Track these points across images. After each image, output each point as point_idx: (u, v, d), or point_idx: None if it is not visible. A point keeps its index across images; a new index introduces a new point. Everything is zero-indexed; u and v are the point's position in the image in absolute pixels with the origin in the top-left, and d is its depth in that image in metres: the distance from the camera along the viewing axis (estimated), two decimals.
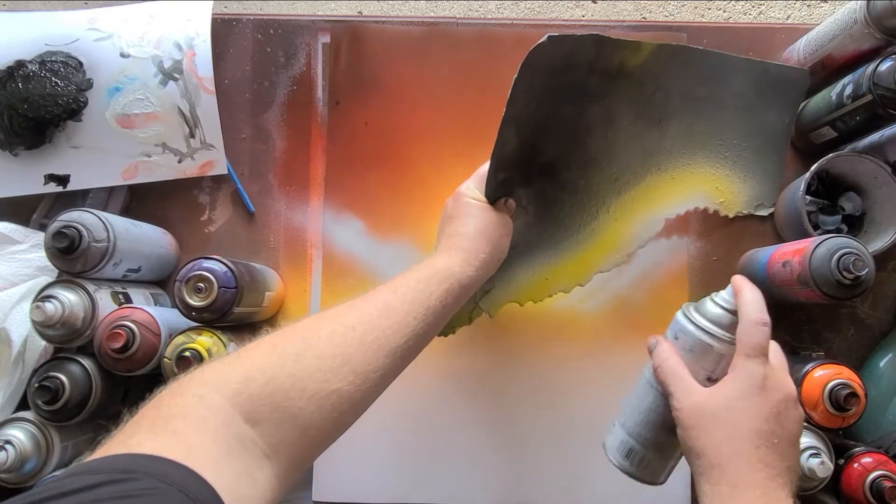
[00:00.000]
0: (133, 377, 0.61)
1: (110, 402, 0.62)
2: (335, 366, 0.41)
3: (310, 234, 0.72)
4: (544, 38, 0.50)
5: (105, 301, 0.61)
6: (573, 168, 0.63)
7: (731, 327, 0.46)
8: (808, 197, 0.66)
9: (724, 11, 1.42)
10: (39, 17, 0.73)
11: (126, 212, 0.72)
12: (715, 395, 0.45)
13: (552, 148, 0.61)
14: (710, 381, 0.46)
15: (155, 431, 0.33)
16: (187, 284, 0.59)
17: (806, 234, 0.63)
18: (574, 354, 0.69)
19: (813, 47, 0.66)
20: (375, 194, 0.72)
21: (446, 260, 0.52)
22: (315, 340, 0.42)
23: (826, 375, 0.58)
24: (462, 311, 0.63)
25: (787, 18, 1.41)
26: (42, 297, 0.58)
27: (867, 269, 0.56)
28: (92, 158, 0.70)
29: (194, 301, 0.58)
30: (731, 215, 0.69)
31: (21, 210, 0.70)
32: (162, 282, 0.72)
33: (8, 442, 0.58)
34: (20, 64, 0.68)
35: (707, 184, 0.68)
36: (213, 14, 0.73)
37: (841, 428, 0.59)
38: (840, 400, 0.57)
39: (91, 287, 0.60)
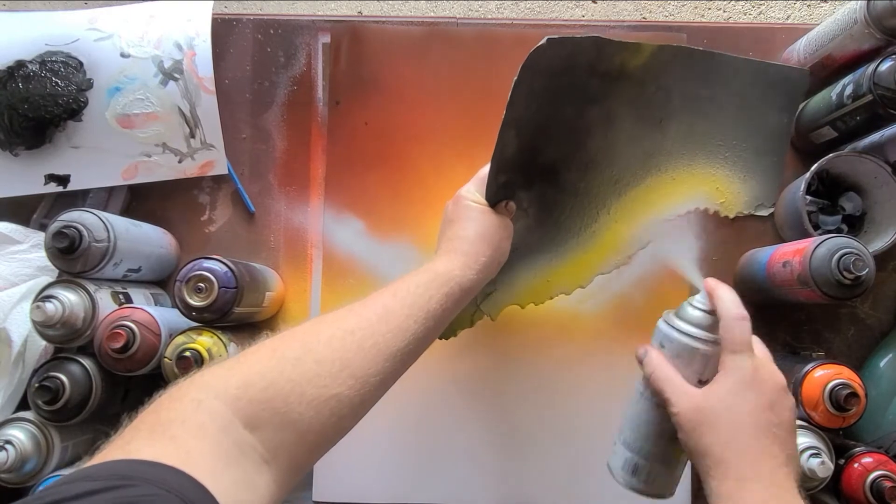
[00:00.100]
0: (133, 377, 0.61)
1: (110, 402, 0.62)
2: (334, 370, 0.41)
3: (310, 234, 0.72)
4: (543, 41, 0.50)
5: (105, 301, 0.61)
6: (574, 170, 0.63)
7: (713, 327, 0.47)
8: (808, 197, 0.66)
9: (724, 11, 1.42)
10: (39, 17, 0.73)
11: (126, 212, 0.72)
12: (711, 393, 0.45)
13: (552, 150, 0.61)
14: (702, 383, 0.47)
15: (153, 437, 0.33)
16: (187, 284, 0.59)
17: (806, 234, 0.63)
18: (574, 355, 0.69)
19: (813, 47, 0.66)
20: (375, 194, 0.72)
21: (446, 263, 0.52)
22: (314, 345, 0.42)
23: (826, 375, 0.58)
24: (464, 313, 0.63)
25: (787, 18, 1.41)
26: (42, 297, 0.58)
27: (867, 269, 0.56)
28: (92, 158, 0.70)
29: (194, 301, 0.58)
30: (731, 216, 0.69)
31: (21, 210, 0.70)
32: (162, 282, 0.72)
33: (8, 442, 0.58)
34: (20, 64, 0.68)
35: (707, 184, 0.68)
36: (213, 14, 0.73)
37: (841, 428, 0.59)
38: (840, 400, 0.57)
39: (91, 287, 0.60)
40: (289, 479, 0.38)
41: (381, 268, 0.71)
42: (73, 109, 0.68)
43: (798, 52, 0.69)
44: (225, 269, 0.59)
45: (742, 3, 1.41)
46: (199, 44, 0.71)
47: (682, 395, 0.46)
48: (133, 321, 0.58)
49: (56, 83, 0.68)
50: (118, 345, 0.57)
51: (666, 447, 0.49)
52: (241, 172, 0.73)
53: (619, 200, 0.65)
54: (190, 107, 0.70)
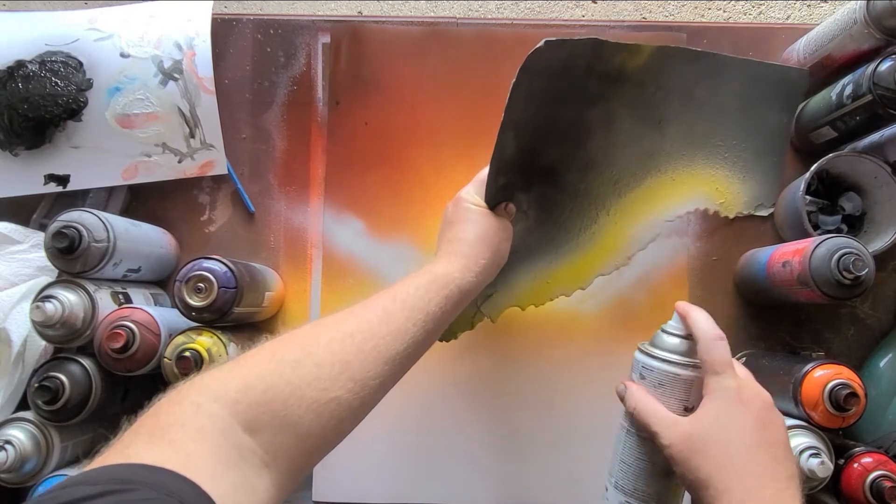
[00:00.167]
0: (133, 377, 0.61)
1: (110, 402, 0.62)
2: (334, 373, 0.41)
3: (310, 234, 0.72)
4: (541, 44, 0.50)
5: (105, 301, 0.61)
6: (573, 171, 0.63)
7: (690, 351, 0.46)
8: (808, 197, 0.66)
9: (724, 11, 1.42)
10: (39, 17, 0.73)
11: (126, 212, 0.72)
12: (699, 419, 0.44)
13: (552, 151, 0.61)
14: (688, 410, 0.46)
15: (153, 441, 0.33)
16: (187, 284, 0.59)
17: (806, 234, 0.63)
18: (574, 356, 0.69)
19: (813, 47, 0.66)
20: (375, 194, 0.72)
21: (446, 266, 0.52)
22: (314, 348, 0.42)
23: (826, 375, 0.58)
24: (464, 316, 0.63)
25: (787, 18, 1.41)
26: (42, 297, 0.58)
27: (867, 269, 0.56)
28: (92, 158, 0.70)
29: (194, 301, 0.58)
30: (731, 216, 0.69)
31: (21, 210, 0.70)
32: (162, 282, 0.72)
33: (8, 442, 0.58)
34: (20, 64, 0.68)
35: (707, 185, 0.68)
36: (213, 14, 0.73)
37: (841, 428, 0.59)
38: (840, 400, 0.57)
39: (91, 287, 0.60)
40: (288, 482, 0.38)
41: (381, 268, 0.71)
42: (72, 109, 0.68)
43: (798, 52, 0.69)
44: (225, 269, 0.59)
45: (742, 3, 1.41)
46: (199, 44, 0.71)
47: (670, 425, 0.44)
48: (133, 321, 0.58)
49: (56, 83, 0.68)
50: (118, 345, 0.57)
51: (659, 484, 0.47)
52: (240, 172, 0.73)
53: (619, 201, 0.65)
54: (190, 107, 0.70)
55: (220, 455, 0.34)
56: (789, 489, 0.41)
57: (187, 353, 0.57)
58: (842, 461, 0.59)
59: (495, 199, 0.56)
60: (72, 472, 0.61)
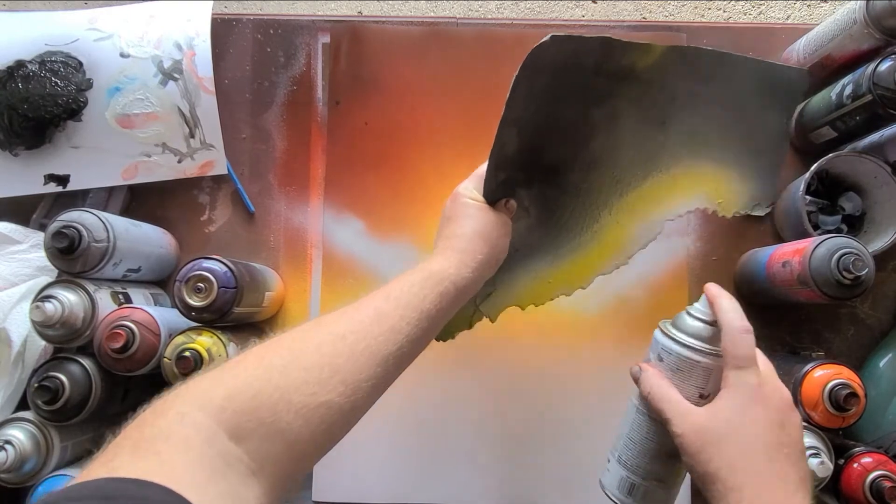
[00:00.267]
0: (133, 377, 0.61)
1: (110, 402, 0.62)
2: (324, 377, 0.40)
3: (310, 234, 0.72)
4: (547, 38, 0.49)
5: (105, 301, 0.61)
6: (576, 170, 0.62)
7: (714, 339, 0.45)
8: (808, 197, 0.66)
9: (724, 11, 1.42)
10: (39, 17, 0.73)
11: (126, 212, 0.72)
12: (715, 413, 0.43)
13: (555, 149, 0.60)
14: (703, 398, 0.45)
15: (137, 454, 0.33)
16: (187, 284, 0.59)
17: (806, 234, 0.63)
18: (574, 355, 0.69)
19: (813, 47, 0.66)
20: (375, 194, 0.72)
21: (442, 262, 0.51)
22: (303, 351, 0.41)
23: (826, 375, 0.58)
24: (462, 315, 0.63)
25: (787, 18, 1.41)
26: (42, 297, 0.58)
27: (867, 269, 0.56)
28: (92, 158, 0.70)
29: (194, 301, 0.58)
30: (728, 215, 0.69)
31: (21, 210, 0.70)
32: (162, 282, 0.72)
33: (8, 442, 0.58)
34: (20, 64, 0.68)
35: (707, 184, 0.67)
36: (213, 14, 0.73)
37: (841, 428, 0.59)
38: (840, 400, 0.57)
39: (91, 287, 0.60)
40: (278, 490, 0.38)
41: (381, 268, 0.71)
42: (72, 109, 0.68)
43: (798, 52, 0.69)
44: (224, 269, 0.59)
45: (742, 3, 1.41)
46: (199, 44, 0.71)
47: (685, 415, 0.43)
48: (133, 321, 0.58)
49: (56, 83, 0.68)
50: (118, 345, 0.57)
51: (664, 465, 0.47)
52: (240, 172, 0.73)
53: (621, 200, 0.65)
54: (190, 107, 0.70)
55: (205, 465, 0.33)
56: (799, 492, 0.41)
57: (187, 353, 0.57)
58: (842, 461, 0.59)
59: (494, 194, 0.56)
60: (72, 472, 0.61)
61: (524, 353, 0.70)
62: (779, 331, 0.70)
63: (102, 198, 0.70)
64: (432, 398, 0.69)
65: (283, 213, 0.73)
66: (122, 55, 0.70)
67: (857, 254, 0.56)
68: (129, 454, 0.33)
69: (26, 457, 0.59)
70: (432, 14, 1.43)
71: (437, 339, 0.56)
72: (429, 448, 0.69)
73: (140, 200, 0.73)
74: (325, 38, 0.74)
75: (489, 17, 1.40)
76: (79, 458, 0.64)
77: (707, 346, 0.45)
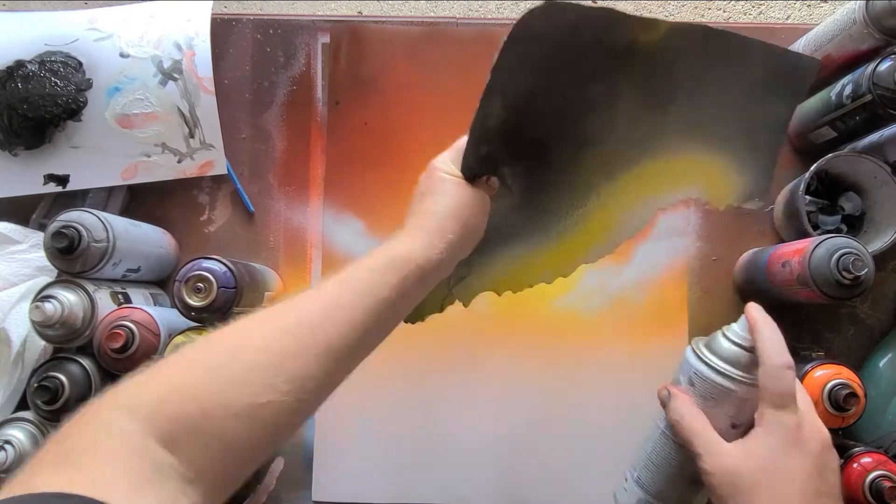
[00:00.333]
0: None
1: None
2: (268, 377, 0.36)
3: (309, 234, 0.72)
4: (542, 3, 0.45)
5: (104, 301, 0.61)
6: (565, 149, 0.57)
7: (750, 367, 0.42)
8: (807, 197, 0.66)
9: (724, 11, 1.42)
10: (39, 17, 0.73)
11: (126, 212, 0.72)
12: (749, 454, 0.40)
13: (544, 125, 0.55)
14: (735, 427, 0.42)
15: (60, 467, 0.30)
16: (187, 284, 0.59)
17: (806, 234, 0.63)
18: (573, 355, 0.69)
19: (812, 47, 0.66)
20: (375, 194, 0.72)
21: (408, 243, 0.46)
22: (245, 349, 0.37)
23: (826, 375, 0.58)
24: (434, 297, 0.58)
25: (787, 18, 1.41)
26: (41, 297, 0.58)
27: (867, 269, 0.56)
28: (91, 158, 0.70)
29: (194, 301, 0.58)
30: (721, 207, 0.64)
31: (21, 210, 0.70)
32: (162, 282, 0.72)
33: (7, 442, 0.58)
34: (20, 64, 0.68)
35: (701, 173, 0.63)
36: (212, 14, 0.73)
37: (840, 428, 0.59)
38: (840, 400, 0.57)
39: (90, 287, 0.60)
40: (219, 496, 0.35)
41: None
42: (72, 109, 0.68)
43: (797, 51, 0.69)
44: (224, 269, 0.59)
45: (742, 3, 1.41)
46: (199, 44, 0.71)
47: (717, 454, 0.41)
48: (132, 321, 0.58)
49: (55, 83, 0.68)
50: (117, 345, 0.57)
51: (685, 491, 0.45)
52: (240, 172, 0.73)
53: (610, 184, 0.60)
54: (189, 107, 0.70)
55: (135, 476, 0.31)
56: None
57: None
58: (841, 461, 0.59)
59: (474, 170, 0.51)
60: None
61: (524, 354, 0.70)
62: None
63: (102, 198, 0.70)
64: (432, 398, 0.69)
65: (282, 213, 0.73)
66: (122, 55, 0.70)
67: (856, 254, 0.56)
68: (51, 469, 0.30)
69: (26, 457, 0.59)
70: (432, 14, 1.43)
71: (406, 322, 0.52)
72: (429, 448, 0.69)
73: (140, 200, 0.73)
74: (325, 38, 0.74)
75: (489, 17, 1.40)
76: None
77: (743, 375, 0.42)
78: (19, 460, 0.58)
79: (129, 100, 0.69)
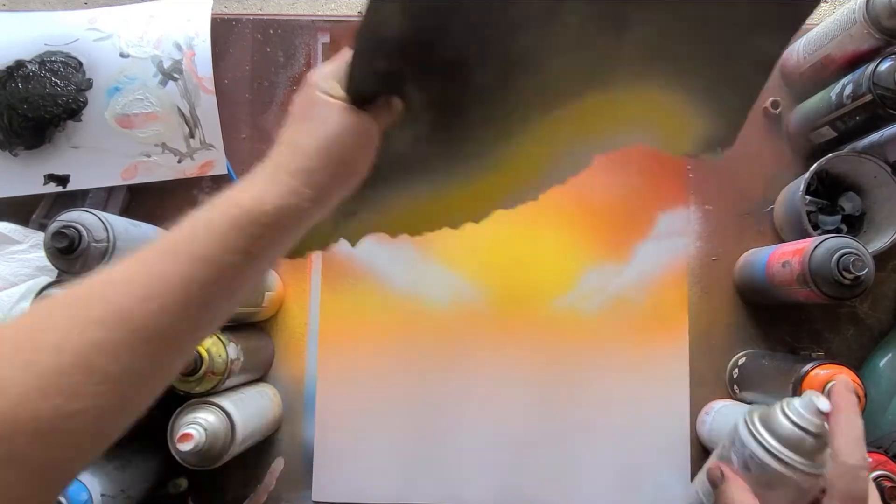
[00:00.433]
0: None
1: None
2: (74, 382, 0.29)
3: None
4: None
5: None
6: (490, 69, 0.44)
7: (816, 453, 0.38)
8: (807, 197, 0.66)
9: None
10: (39, 17, 0.73)
11: (126, 212, 0.72)
12: None
13: (463, 38, 0.42)
14: None
15: None
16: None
17: (806, 234, 0.63)
18: (573, 355, 0.69)
19: (812, 47, 0.66)
20: None
21: (262, 189, 0.36)
22: (38, 351, 0.29)
23: (825, 375, 0.58)
24: (317, 234, 0.46)
25: None
26: (41, 296, 0.58)
27: (867, 269, 0.56)
28: (92, 158, 0.70)
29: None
30: (676, 154, 0.57)
31: (21, 210, 0.70)
32: None
33: None
34: (20, 64, 0.68)
35: (656, 114, 0.50)
36: (212, 14, 0.73)
37: None
38: None
39: None
40: None
41: (381, 268, 0.71)
42: (72, 109, 0.68)
43: (798, 52, 0.69)
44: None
45: None
46: (199, 44, 0.71)
47: None
48: None
49: (55, 83, 0.68)
50: None
51: None
52: (240, 172, 0.73)
53: (543, 118, 0.48)
54: (189, 107, 0.70)
55: None
56: None
57: None
58: None
59: (364, 89, 0.40)
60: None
61: (524, 354, 0.70)
62: (779, 331, 0.70)
63: (102, 198, 0.70)
64: (432, 398, 0.69)
65: None
66: (122, 55, 0.70)
67: (856, 254, 0.56)
68: None
69: None
70: None
71: (286, 258, 0.42)
72: (429, 448, 0.69)
73: (140, 200, 0.73)
74: (325, 38, 0.74)
75: None
76: None
77: (808, 465, 0.38)
78: None
79: (129, 100, 0.69)
